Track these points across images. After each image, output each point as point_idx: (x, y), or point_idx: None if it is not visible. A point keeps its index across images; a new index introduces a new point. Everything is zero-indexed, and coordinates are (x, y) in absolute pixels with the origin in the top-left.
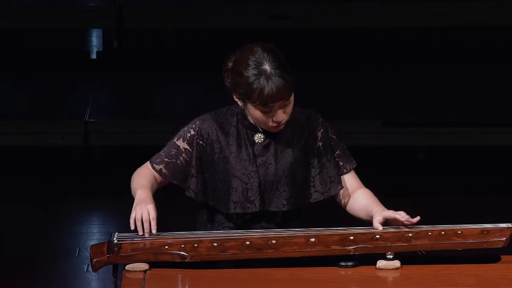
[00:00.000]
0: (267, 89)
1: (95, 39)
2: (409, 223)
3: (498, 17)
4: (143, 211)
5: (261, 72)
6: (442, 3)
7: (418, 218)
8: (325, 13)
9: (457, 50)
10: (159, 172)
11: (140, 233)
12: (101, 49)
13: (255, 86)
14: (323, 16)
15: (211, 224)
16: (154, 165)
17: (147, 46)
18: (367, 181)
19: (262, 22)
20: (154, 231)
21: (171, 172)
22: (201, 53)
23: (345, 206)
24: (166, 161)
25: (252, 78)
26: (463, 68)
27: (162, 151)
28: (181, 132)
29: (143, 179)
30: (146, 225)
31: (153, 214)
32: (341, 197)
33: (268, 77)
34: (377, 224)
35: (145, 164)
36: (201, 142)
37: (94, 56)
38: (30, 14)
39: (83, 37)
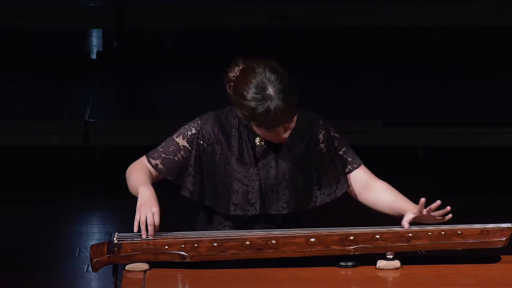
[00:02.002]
0: (271, 114)
1: (95, 39)
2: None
3: (498, 17)
4: (148, 214)
5: (265, 98)
6: (442, 3)
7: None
8: (325, 13)
9: (457, 50)
10: (155, 167)
11: (144, 236)
12: (101, 49)
13: (259, 111)
14: (323, 16)
15: (210, 224)
16: (151, 160)
17: (147, 46)
18: None
19: (262, 22)
20: (150, 237)
21: (167, 168)
22: (201, 53)
23: (357, 196)
24: (163, 156)
25: (255, 103)
26: (463, 68)
27: (160, 146)
28: (181, 130)
29: (142, 174)
30: (150, 229)
31: (157, 220)
32: (355, 192)
33: (272, 102)
34: (405, 223)
35: (140, 159)
36: (201, 142)
37: (94, 56)
38: (30, 14)
39: (83, 37)
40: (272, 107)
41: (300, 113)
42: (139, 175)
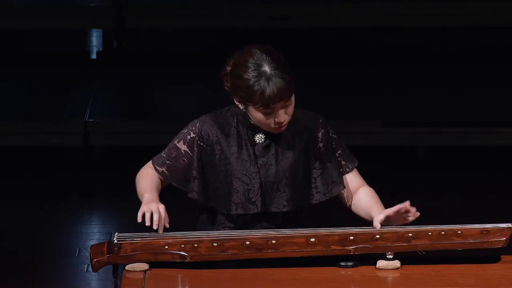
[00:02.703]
0: (268, 91)
1: (95, 39)
2: (412, 212)
3: (498, 17)
4: (153, 207)
5: (261, 74)
6: (442, 3)
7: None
8: (325, 13)
9: (457, 50)
10: (161, 174)
11: (148, 223)
12: (101, 49)
13: (255, 88)
14: (323, 16)
15: (211, 225)
16: (157, 167)
17: (147, 46)
18: (367, 181)
19: (262, 22)
20: (160, 231)
21: (172, 174)
22: (201, 53)
23: (349, 206)
24: (168, 163)
25: (252, 81)
26: (463, 68)
27: (164, 152)
28: (181, 134)
29: (149, 182)
30: (155, 217)
31: (163, 212)
32: (344, 197)
33: (268, 78)
34: (376, 223)
35: (148, 164)
36: (201, 143)
37: (94, 56)
38: (30, 14)
39: (83, 37)
40: (268, 83)
41: (300, 112)
42: (146, 183)
